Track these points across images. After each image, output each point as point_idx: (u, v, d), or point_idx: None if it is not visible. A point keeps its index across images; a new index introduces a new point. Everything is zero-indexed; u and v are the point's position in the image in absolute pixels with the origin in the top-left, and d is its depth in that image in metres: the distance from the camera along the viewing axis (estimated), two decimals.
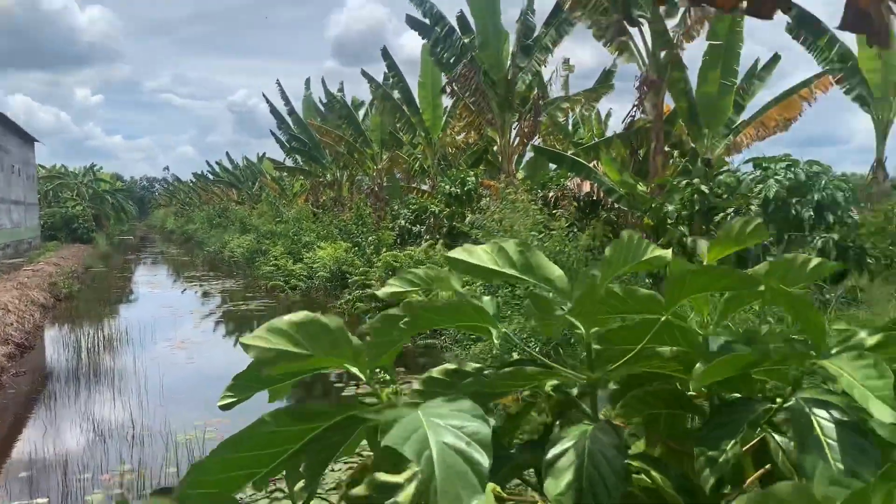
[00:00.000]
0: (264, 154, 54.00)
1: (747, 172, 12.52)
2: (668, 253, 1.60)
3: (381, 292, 1.69)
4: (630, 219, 14.32)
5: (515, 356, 1.94)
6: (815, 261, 1.70)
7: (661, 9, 13.59)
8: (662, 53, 14.12)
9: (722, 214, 11.82)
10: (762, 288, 1.50)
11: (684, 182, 12.40)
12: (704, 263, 1.68)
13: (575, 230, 12.09)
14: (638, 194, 13.51)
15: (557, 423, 1.77)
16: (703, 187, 12.18)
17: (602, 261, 1.56)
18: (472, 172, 20.71)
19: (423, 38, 20.36)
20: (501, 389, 1.63)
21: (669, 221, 12.41)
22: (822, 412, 1.36)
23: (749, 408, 1.56)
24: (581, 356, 1.79)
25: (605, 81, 21.25)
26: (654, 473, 1.54)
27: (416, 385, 1.55)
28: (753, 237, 1.60)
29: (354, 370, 1.27)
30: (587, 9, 14.10)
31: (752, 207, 11.56)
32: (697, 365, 1.47)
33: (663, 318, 1.59)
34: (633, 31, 14.10)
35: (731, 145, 15.99)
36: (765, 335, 1.94)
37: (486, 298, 1.73)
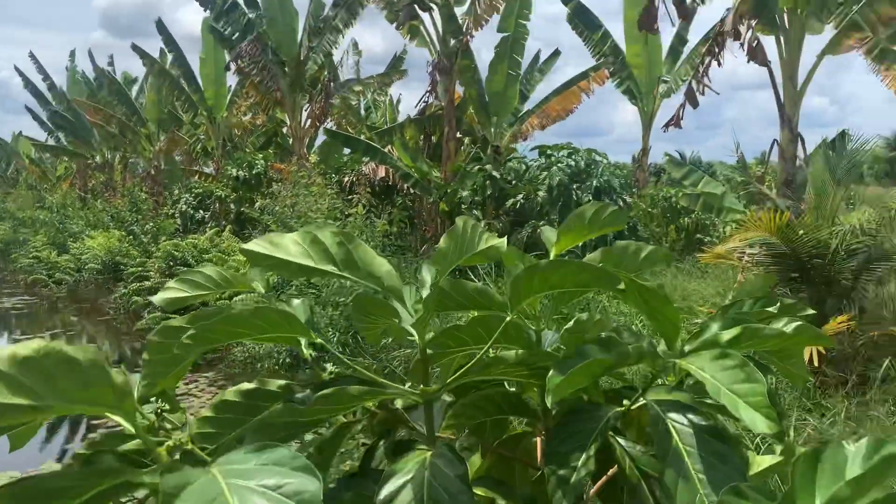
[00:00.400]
0: (20, 133, 48.06)
1: (533, 160, 13.09)
2: (503, 242, 1.38)
3: (158, 299, 1.31)
4: (426, 204, 14.40)
5: (331, 369, 1.65)
6: (648, 248, 1.56)
7: None
8: (452, 40, 14.28)
9: (512, 200, 12.24)
10: (622, 286, 1.30)
11: (476, 168, 12.68)
12: (552, 254, 1.47)
13: (372, 216, 11.90)
14: (432, 179, 13.61)
15: (382, 443, 1.51)
16: (495, 173, 12.53)
17: (436, 252, 1.29)
18: (261, 155, 19.79)
19: (205, 10, 19.03)
20: (319, 417, 1.30)
21: (464, 206, 12.63)
22: (677, 416, 1.24)
23: (596, 414, 1.40)
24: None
25: (397, 66, 21.26)
26: None
27: (205, 411, 1.23)
28: (609, 223, 1.42)
29: (118, 419, 0.90)
30: None
31: (540, 193, 12.09)
32: (551, 374, 1.25)
33: (507, 319, 1.37)
34: (425, 15, 14.13)
35: (518, 133, 16.67)
36: (616, 333, 1.79)
37: (295, 302, 1.42)
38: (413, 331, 1.35)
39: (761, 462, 1.60)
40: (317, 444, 1.45)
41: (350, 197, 12.65)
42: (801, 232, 7.19)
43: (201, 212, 20.07)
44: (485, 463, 1.66)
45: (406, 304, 1.37)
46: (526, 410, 1.60)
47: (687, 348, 1.40)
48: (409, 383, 2.09)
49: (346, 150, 17.83)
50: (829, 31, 9.75)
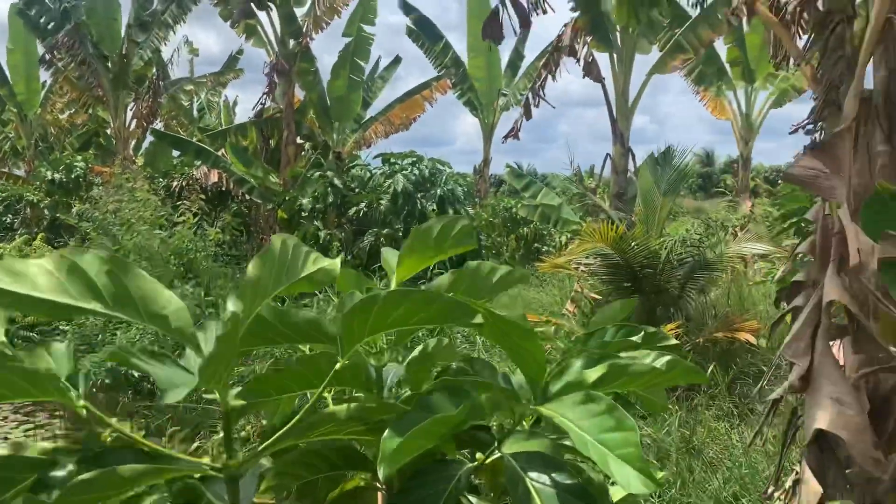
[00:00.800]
0: None
1: (377, 167, 12.86)
2: (336, 264, 1.11)
3: None
4: (263, 211, 13.75)
5: (116, 425, 1.29)
6: (502, 270, 1.35)
7: None
8: (291, 42, 13.78)
9: (355, 208, 11.94)
10: (479, 319, 1.07)
11: (317, 174, 12.26)
12: (392, 281, 1.21)
13: (204, 224, 11.13)
14: (270, 185, 13.01)
15: None
16: (336, 180, 12.17)
17: (245, 283, 0.99)
18: (81, 157, 18.13)
19: None
20: None
21: (303, 215, 12.17)
22: (537, 474, 1.10)
23: (446, 473, 1.17)
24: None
25: (232, 65, 20.32)
26: None
27: None
28: (460, 241, 1.18)
29: None
30: None
31: (383, 201, 11.87)
32: (386, 437, 0.99)
33: (338, 366, 1.10)
34: (263, 15, 13.54)
35: (361, 140, 16.39)
36: (467, 364, 1.55)
37: (56, 349, 1.09)
38: (193, 380, 1.04)
39: (615, 493, 1.43)
40: None
41: (178, 203, 11.78)
42: (633, 243, 7.46)
43: (10, 217, 18.08)
44: None
45: (203, 350, 1.05)
46: (365, 464, 1.33)
47: (552, 389, 1.20)
48: (219, 442, 1.73)
49: (176, 153, 16.73)
50: (656, 52, 10.34)
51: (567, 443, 1.31)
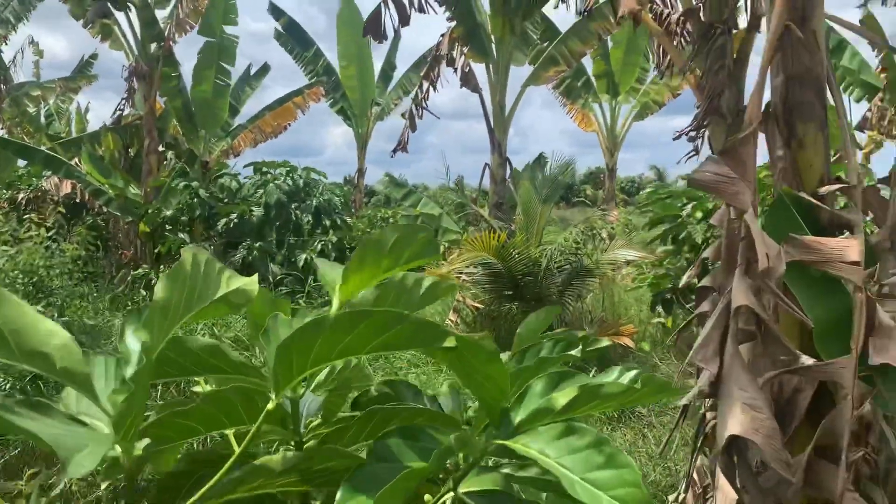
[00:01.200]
0: None
1: (248, 177, 12.35)
2: (254, 283, 0.93)
3: None
4: (122, 224, 12.85)
5: None
6: (428, 280, 1.22)
7: None
8: (153, 45, 13.00)
9: (225, 220, 11.37)
10: (452, 342, 0.92)
11: (182, 184, 11.58)
12: (335, 302, 1.03)
13: (57, 239, 10.22)
14: (130, 197, 12.17)
15: None
16: (203, 191, 11.55)
17: (152, 308, 0.78)
18: None
19: None
20: None
21: (168, 227, 11.46)
22: None
23: None
24: None
25: (85, 70, 18.97)
26: None
27: None
28: (420, 254, 1.01)
29: None
30: None
31: (255, 212, 11.39)
32: (343, 495, 0.82)
33: (270, 406, 0.92)
34: (121, 16, 12.68)
35: (229, 149, 15.71)
36: (390, 388, 1.39)
37: None
38: (107, 437, 0.82)
39: None
40: None
41: (26, 217, 10.77)
42: (515, 252, 7.51)
43: None
44: None
45: (98, 395, 0.83)
46: None
47: (515, 419, 1.07)
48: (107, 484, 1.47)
49: (22, 163, 15.36)
50: (528, 65, 10.55)
51: (522, 474, 1.18)
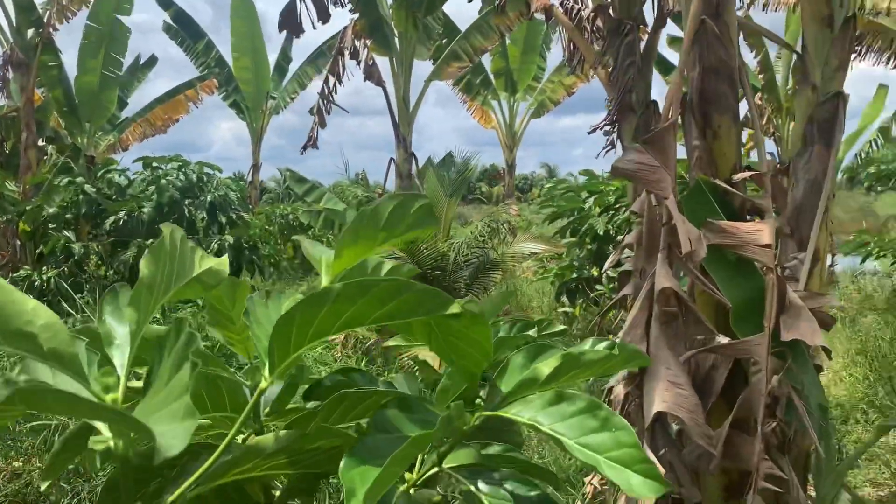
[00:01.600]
0: None
1: (137, 172, 11.79)
2: (224, 263, 0.90)
3: None
4: None
5: None
6: (389, 263, 1.22)
7: None
8: (30, 31, 12.20)
9: (113, 218, 10.82)
10: (456, 308, 0.92)
11: (66, 181, 10.92)
12: (324, 278, 1.00)
13: None
14: (7, 194, 11.39)
15: None
16: (88, 187, 10.94)
17: (138, 286, 0.75)
18: None
19: None
20: None
21: (52, 226, 10.80)
22: (490, 489, 1.00)
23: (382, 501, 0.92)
24: None
25: None
26: None
27: None
28: (417, 224, 0.99)
29: None
30: None
31: (145, 209, 10.89)
32: (348, 464, 0.82)
33: (264, 385, 0.90)
34: None
35: (117, 143, 14.94)
36: (343, 385, 1.36)
37: None
38: (104, 430, 0.76)
39: None
40: None
41: None
42: (423, 246, 7.54)
43: None
44: None
45: (88, 379, 0.77)
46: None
47: (503, 389, 1.08)
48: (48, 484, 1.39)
49: None
50: (430, 61, 10.61)
51: (490, 451, 1.19)
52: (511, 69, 15.55)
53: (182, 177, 11.38)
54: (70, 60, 12.98)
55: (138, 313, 0.80)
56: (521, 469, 1.10)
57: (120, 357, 0.81)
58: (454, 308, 0.84)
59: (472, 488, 1.04)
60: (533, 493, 1.06)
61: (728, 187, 2.47)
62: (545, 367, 1.00)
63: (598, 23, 3.98)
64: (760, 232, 2.42)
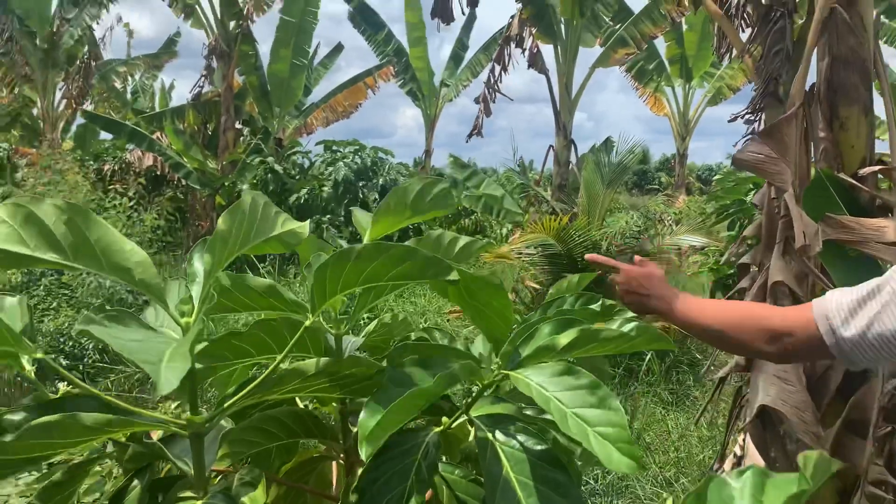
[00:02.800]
0: None
1: (318, 154, 12.71)
2: (305, 227, 1.09)
3: None
4: (200, 197, 13.42)
5: (63, 388, 1.24)
6: (464, 239, 1.36)
7: None
8: (232, 24, 13.47)
9: (295, 196, 11.77)
10: (455, 275, 1.06)
11: (257, 160, 12.02)
12: (366, 240, 1.19)
13: (139, 209, 10.80)
14: (208, 171, 12.70)
15: (136, 484, 1.14)
16: (277, 167, 11.96)
17: (214, 236, 0.96)
18: (4, 137, 17.33)
19: None
20: (36, 454, 0.90)
21: None
22: (506, 438, 1.08)
23: (413, 442, 1.14)
24: None
25: (169, 47, 19.74)
26: None
27: None
28: (437, 205, 1.16)
29: None
30: None
31: (325, 189, 11.73)
32: (363, 416, 0.96)
33: (307, 323, 1.08)
34: None
35: (303, 127, 16.14)
36: (427, 334, 1.55)
37: (9, 301, 1.04)
38: (182, 346, 1.01)
39: None
40: (40, 490, 1.07)
41: (110, 187, 11.38)
42: (576, 234, 7.56)
43: None
44: (270, 497, 1.34)
45: (168, 305, 1.01)
46: (323, 431, 1.31)
47: (522, 353, 1.20)
48: (177, 403, 1.68)
49: (108, 136, 16.17)
50: (599, 46, 10.51)
51: (529, 412, 1.31)
52: (687, 55, 14.98)
53: (357, 160, 12.13)
54: (264, 51, 14.18)
55: (213, 258, 1.03)
56: (550, 427, 1.22)
57: (196, 290, 1.05)
58: (454, 275, 1.00)
59: (489, 435, 1.18)
60: (539, 447, 1.17)
61: (852, 181, 2.38)
62: (564, 337, 1.12)
63: (748, 9, 3.88)
64: (885, 229, 2.31)
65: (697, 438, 5.40)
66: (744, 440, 2.67)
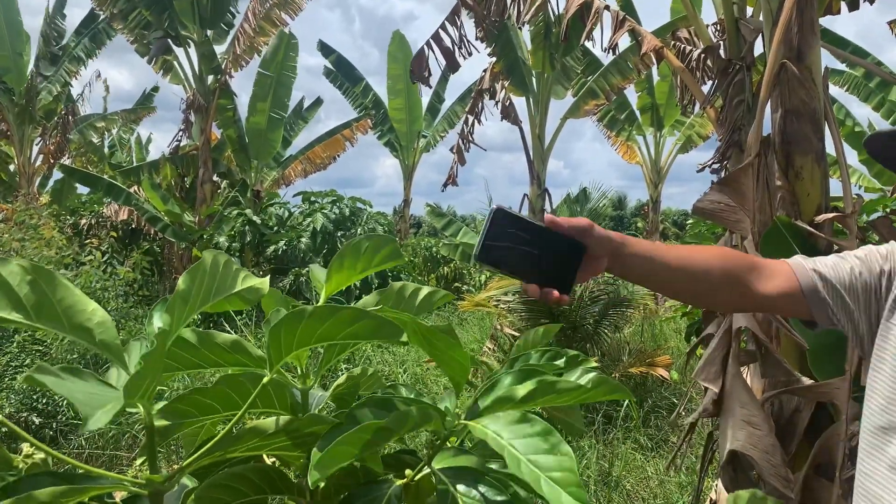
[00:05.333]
0: None
1: (297, 205, 12.77)
2: (265, 283, 1.12)
3: None
4: (176, 250, 13.37)
5: (26, 449, 1.27)
6: (426, 290, 1.40)
7: (209, 32, 13.10)
8: (210, 78, 13.62)
9: (274, 247, 11.77)
10: (404, 338, 1.09)
11: (235, 212, 12.04)
12: (321, 297, 1.23)
13: (114, 263, 10.72)
14: (185, 224, 12.69)
15: None
16: (255, 218, 11.99)
17: (175, 296, 0.99)
18: None
19: None
20: None
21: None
22: (467, 489, 1.12)
23: (376, 494, 1.20)
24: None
25: (146, 102, 19.87)
26: None
27: None
28: (388, 258, 1.20)
29: None
30: (128, 22, 12.86)
31: (303, 240, 11.76)
32: (317, 446, 1.00)
33: (265, 380, 1.11)
34: (180, 51, 13.34)
35: (281, 178, 16.23)
36: (393, 389, 1.57)
37: None
38: (139, 405, 1.02)
39: None
40: None
41: (86, 241, 11.31)
42: None
43: None
44: None
45: (128, 365, 1.03)
46: (290, 487, 1.32)
47: (481, 404, 1.22)
48: (140, 461, 1.67)
49: (85, 190, 16.14)
50: (570, 97, 10.76)
51: (493, 465, 1.34)
52: (658, 104, 15.35)
53: (336, 210, 12.20)
54: (242, 103, 14.33)
55: (171, 318, 1.05)
56: (513, 481, 1.24)
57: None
58: (403, 338, 1.04)
59: (451, 487, 1.20)
60: (499, 498, 1.18)
61: (808, 228, 2.46)
62: (522, 388, 1.15)
63: (709, 62, 4.01)
64: None
65: (676, 484, 5.38)
66: (716, 485, 2.69)
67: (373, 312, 1.02)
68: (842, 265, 1.25)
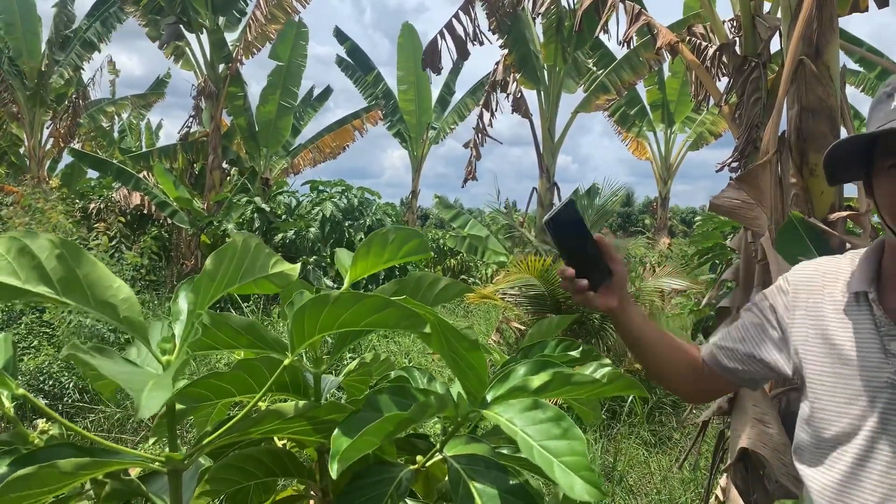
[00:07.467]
0: None
1: (305, 194, 12.78)
2: (296, 269, 1.12)
3: None
4: (185, 235, 13.40)
5: (41, 425, 1.28)
6: (444, 281, 1.40)
7: (221, 19, 13.10)
8: (221, 66, 13.62)
9: (282, 235, 11.79)
10: (429, 329, 1.09)
11: (244, 199, 12.05)
12: (346, 281, 1.23)
13: (122, 247, 10.76)
14: (194, 210, 12.71)
15: None
16: (264, 206, 12.00)
17: (201, 275, 0.99)
18: None
19: None
20: None
21: (228, 240, 11.92)
22: (479, 475, 1.12)
23: (387, 476, 1.19)
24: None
25: (157, 88, 19.89)
26: None
27: None
28: (414, 251, 1.20)
29: None
30: (140, 4, 12.86)
31: (311, 229, 11.76)
32: (336, 435, 0.99)
33: (286, 363, 1.10)
34: (191, 38, 13.35)
35: (290, 167, 16.25)
36: (407, 373, 1.57)
37: None
38: (166, 378, 1.03)
39: None
40: None
41: (95, 225, 11.34)
42: (558, 274, 7.60)
43: None
44: None
45: (151, 343, 1.04)
46: (300, 470, 1.33)
47: (492, 395, 1.22)
48: (153, 441, 1.68)
49: (95, 174, 16.19)
50: (581, 91, 10.74)
51: (504, 451, 1.34)
52: (668, 101, 15.30)
53: (344, 200, 12.20)
54: (253, 91, 14.36)
55: (197, 297, 1.05)
56: (523, 467, 1.24)
57: (179, 328, 1.07)
58: (427, 328, 1.04)
59: (463, 472, 1.20)
60: (511, 483, 1.19)
61: (822, 225, 2.45)
62: (537, 379, 1.15)
63: (724, 59, 4.00)
64: None
65: (680, 481, 5.39)
66: (727, 482, 2.69)
67: (398, 302, 1.02)
68: (734, 326, 1.40)
